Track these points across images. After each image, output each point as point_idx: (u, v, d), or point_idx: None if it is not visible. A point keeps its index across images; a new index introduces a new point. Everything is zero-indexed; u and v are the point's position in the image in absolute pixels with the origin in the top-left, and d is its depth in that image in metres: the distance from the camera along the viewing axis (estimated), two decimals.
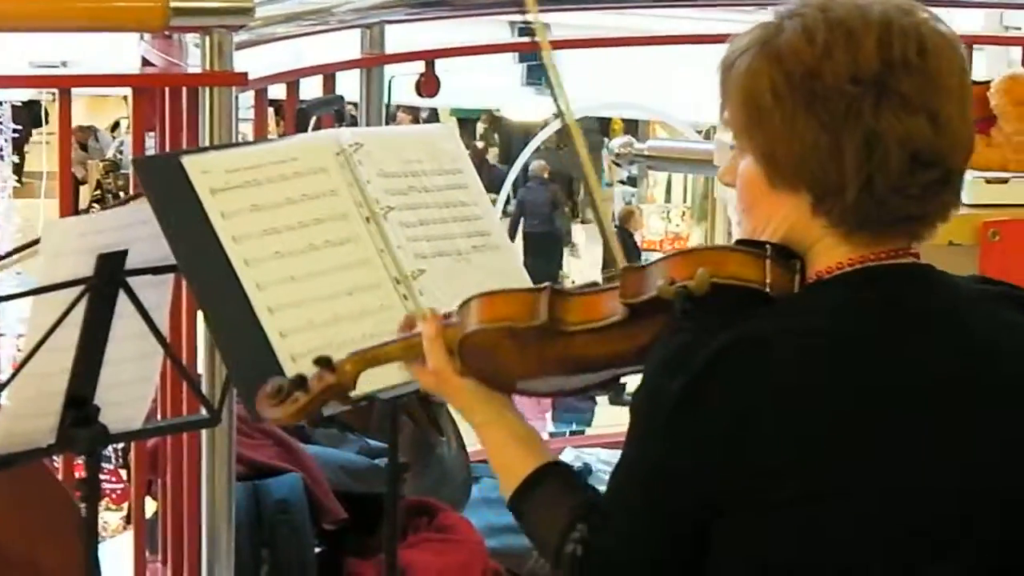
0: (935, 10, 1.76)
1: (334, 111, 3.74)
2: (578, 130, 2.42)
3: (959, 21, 3.99)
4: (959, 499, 1.69)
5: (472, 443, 3.93)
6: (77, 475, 3.15)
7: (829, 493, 1.67)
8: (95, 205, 14.85)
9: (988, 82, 3.34)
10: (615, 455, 1.84)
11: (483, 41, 4.85)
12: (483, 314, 1.87)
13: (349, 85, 3.88)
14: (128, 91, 3.27)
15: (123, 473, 8.38)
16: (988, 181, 3.08)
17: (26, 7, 2.94)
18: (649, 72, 10.62)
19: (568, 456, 4.14)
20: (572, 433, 9.18)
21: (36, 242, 2.29)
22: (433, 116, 14.68)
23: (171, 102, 3.09)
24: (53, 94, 3.31)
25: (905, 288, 1.74)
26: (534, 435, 1.91)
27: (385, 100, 4.00)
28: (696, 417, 1.67)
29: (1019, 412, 1.73)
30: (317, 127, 3.52)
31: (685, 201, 17.43)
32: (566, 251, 16.60)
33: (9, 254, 2.81)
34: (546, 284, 1.87)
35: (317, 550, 3.22)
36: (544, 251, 15.18)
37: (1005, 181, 3.12)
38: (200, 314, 2.80)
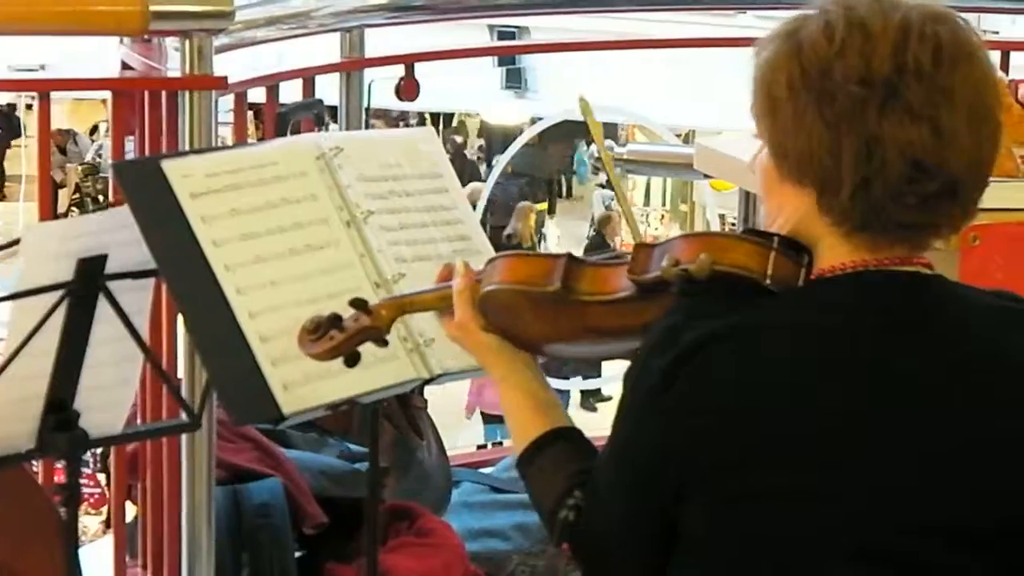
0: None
1: (314, 115, 3.74)
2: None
3: None
4: (944, 499, 1.70)
5: (452, 447, 3.94)
6: (56, 479, 3.16)
7: (803, 489, 1.68)
8: (74, 209, 14.82)
9: None
10: None
11: (463, 45, 4.85)
12: (502, 275, 1.91)
13: (328, 89, 3.88)
14: (107, 95, 3.27)
15: (101, 477, 8.36)
16: None
17: (5, 10, 2.93)
18: (627, 76, 10.64)
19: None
20: None
21: (16, 242, 2.28)
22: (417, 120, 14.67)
23: (151, 106, 3.08)
24: (31, 101, 3.30)
25: (901, 295, 1.73)
26: (551, 398, 1.95)
27: (365, 104, 4.00)
28: (667, 399, 1.70)
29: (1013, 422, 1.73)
30: (296, 131, 3.52)
31: (664, 204, 17.46)
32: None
33: None
34: (566, 252, 1.91)
35: (297, 554, 3.22)
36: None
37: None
38: (180, 318, 2.79)
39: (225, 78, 3.01)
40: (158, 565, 3.20)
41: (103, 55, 3.54)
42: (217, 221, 2.26)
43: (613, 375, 6.72)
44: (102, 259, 2.23)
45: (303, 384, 2.20)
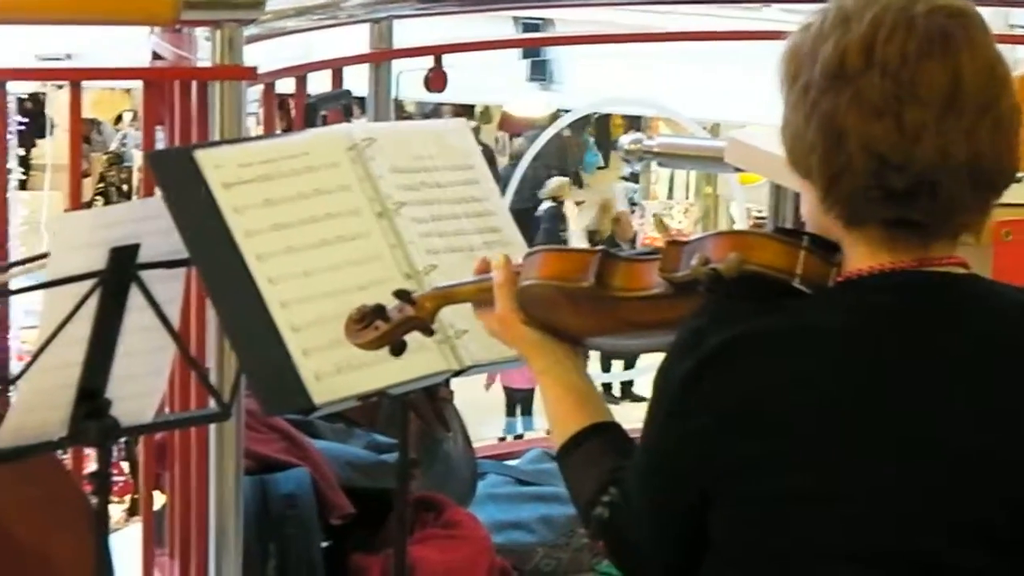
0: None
1: (342, 106, 3.75)
2: None
3: None
4: (974, 499, 1.69)
5: (478, 439, 3.94)
6: (85, 468, 3.17)
7: (830, 490, 1.67)
8: (98, 198, 14.84)
9: None
10: None
11: (489, 37, 4.86)
12: (539, 269, 1.92)
13: (356, 80, 3.89)
14: (132, 85, 3.28)
15: (125, 466, 8.38)
16: None
17: (39, 0, 2.94)
18: (652, 69, 10.62)
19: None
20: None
21: (41, 256, 2.30)
22: (435, 112, 14.66)
23: (181, 96, 3.09)
24: (55, 91, 3.31)
25: (931, 297, 1.71)
26: (592, 392, 1.95)
27: (393, 95, 4.01)
28: (691, 402, 1.70)
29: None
30: (324, 122, 3.52)
31: (687, 198, 17.43)
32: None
33: (17, 264, 2.79)
34: (601, 247, 1.92)
35: (324, 545, 3.22)
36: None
37: (1018, 180, 3.10)
38: (210, 308, 2.80)
39: (255, 68, 3.02)
40: (185, 554, 3.21)
41: (130, 44, 3.55)
42: (249, 211, 2.26)
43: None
44: (134, 248, 2.24)
45: (334, 374, 2.20)
